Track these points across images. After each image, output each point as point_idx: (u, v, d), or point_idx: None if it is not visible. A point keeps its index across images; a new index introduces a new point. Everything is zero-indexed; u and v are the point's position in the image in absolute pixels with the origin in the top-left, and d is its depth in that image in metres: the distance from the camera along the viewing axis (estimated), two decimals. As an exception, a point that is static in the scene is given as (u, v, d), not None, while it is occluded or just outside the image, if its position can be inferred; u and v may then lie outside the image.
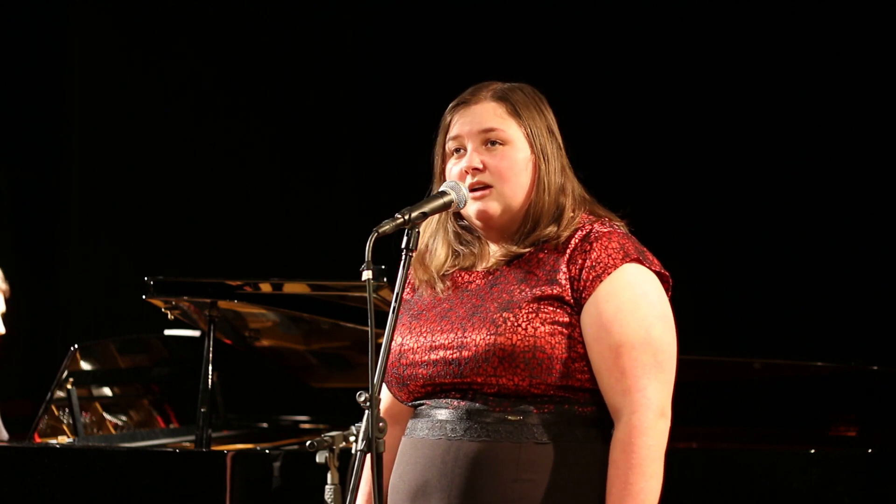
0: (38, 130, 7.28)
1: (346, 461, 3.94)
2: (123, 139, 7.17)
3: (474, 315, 2.65)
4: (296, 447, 4.63)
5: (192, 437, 4.95)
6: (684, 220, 6.12)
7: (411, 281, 2.80)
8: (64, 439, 4.83)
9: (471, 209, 2.71)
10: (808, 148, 6.10)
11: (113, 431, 5.16)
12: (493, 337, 2.60)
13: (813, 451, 4.42)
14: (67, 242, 7.25)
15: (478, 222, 2.73)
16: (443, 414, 2.65)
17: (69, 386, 4.88)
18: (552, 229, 2.69)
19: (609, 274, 2.62)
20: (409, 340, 2.70)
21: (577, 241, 2.67)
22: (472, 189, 2.70)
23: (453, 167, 2.73)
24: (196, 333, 5.26)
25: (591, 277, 2.62)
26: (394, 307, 2.58)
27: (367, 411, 2.47)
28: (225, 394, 5.57)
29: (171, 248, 6.94)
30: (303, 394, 5.65)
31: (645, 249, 2.69)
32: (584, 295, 2.62)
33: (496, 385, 2.60)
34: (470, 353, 2.61)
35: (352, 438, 3.92)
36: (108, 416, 5.19)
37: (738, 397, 5.13)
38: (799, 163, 6.12)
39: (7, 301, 4.85)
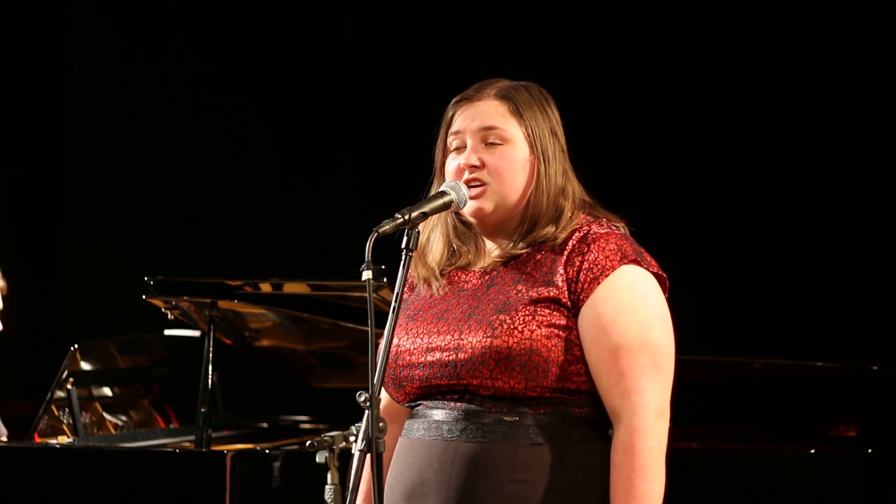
0: (38, 130, 7.28)
1: (346, 461, 3.94)
2: (123, 139, 7.17)
3: (471, 317, 2.65)
4: (296, 447, 4.63)
5: (192, 437, 4.95)
6: (684, 220, 6.12)
7: (410, 279, 2.80)
8: (64, 439, 4.83)
9: (468, 207, 2.71)
10: (807, 148, 6.10)
11: (113, 431, 5.16)
12: (489, 339, 2.60)
13: (813, 451, 4.42)
14: (67, 242, 7.25)
15: (473, 219, 2.73)
16: (439, 415, 2.65)
17: (69, 386, 4.88)
18: (549, 230, 2.68)
19: (607, 276, 2.61)
20: (406, 341, 2.70)
21: (574, 242, 2.66)
22: (469, 185, 2.69)
23: (451, 162, 2.73)
24: (196, 333, 5.26)
25: (588, 279, 2.62)
26: (394, 307, 2.58)
27: (367, 411, 2.47)
28: (225, 394, 5.57)
29: (171, 248, 6.94)
30: (303, 394, 5.65)
31: (643, 250, 2.69)
32: (581, 297, 2.62)
33: (492, 387, 2.60)
34: (466, 355, 2.61)
35: (352, 438, 3.92)
36: (108, 416, 5.19)
37: (738, 397, 5.13)
38: (799, 163, 6.11)
39: (5, 298, 4.85)
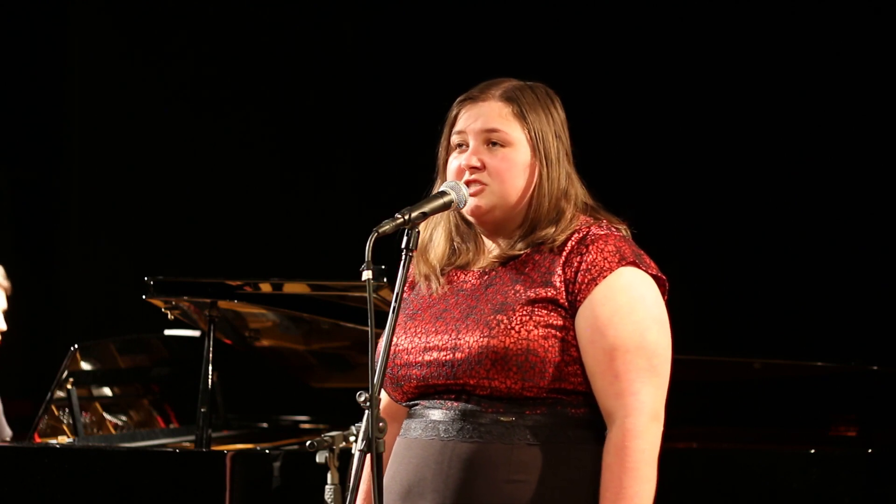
0: (38, 130, 7.28)
1: (346, 461, 3.93)
2: (123, 139, 7.17)
3: (468, 316, 2.65)
4: (296, 447, 4.63)
5: (192, 437, 4.95)
6: (684, 219, 6.12)
7: (411, 278, 2.80)
8: (64, 439, 4.83)
9: (467, 207, 2.71)
10: (807, 148, 6.10)
11: (113, 431, 5.16)
12: (486, 339, 2.60)
13: (813, 451, 4.42)
14: (67, 242, 7.24)
15: (471, 218, 2.73)
16: (436, 414, 2.65)
17: (69, 386, 4.88)
18: (549, 231, 2.68)
19: (604, 277, 2.61)
20: (404, 341, 2.70)
21: (573, 243, 2.66)
22: (469, 185, 2.69)
23: (453, 161, 2.73)
24: (196, 333, 5.26)
25: (586, 280, 2.62)
26: (394, 307, 2.58)
27: (367, 411, 2.47)
28: (225, 394, 5.57)
29: (171, 248, 6.94)
30: (303, 394, 5.65)
31: (642, 253, 2.68)
32: (578, 298, 2.62)
33: (489, 387, 2.60)
34: (463, 354, 2.61)
35: (352, 438, 3.92)
36: (108, 416, 5.19)
37: (738, 397, 5.13)
38: (799, 163, 6.11)
39: (8, 299, 4.85)
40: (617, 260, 2.63)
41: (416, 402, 2.70)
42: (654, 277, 2.66)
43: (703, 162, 6.20)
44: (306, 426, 5.78)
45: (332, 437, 3.89)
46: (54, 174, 7.27)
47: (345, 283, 4.58)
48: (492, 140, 2.70)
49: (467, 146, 2.72)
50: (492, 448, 2.60)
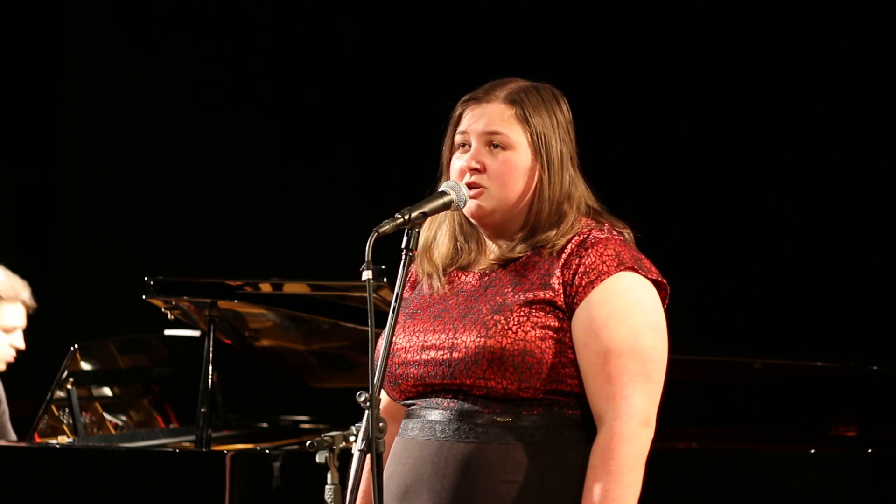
0: (38, 130, 7.28)
1: (346, 461, 3.93)
2: (123, 139, 7.17)
3: (466, 316, 2.65)
4: (296, 447, 4.63)
5: (192, 437, 4.95)
6: (685, 219, 6.12)
7: (413, 276, 2.81)
8: (64, 439, 4.83)
9: (467, 207, 2.71)
10: (807, 148, 6.10)
11: (113, 431, 5.16)
12: (482, 340, 2.60)
13: (813, 451, 4.42)
14: (67, 242, 7.24)
15: (472, 219, 2.73)
16: (433, 414, 2.65)
17: (69, 386, 4.88)
18: (550, 234, 2.68)
19: (602, 280, 2.61)
20: (402, 339, 2.70)
21: (573, 246, 2.66)
22: (469, 187, 2.70)
23: (455, 161, 2.73)
24: (196, 333, 5.26)
25: (583, 283, 2.61)
26: (394, 307, 2.58)
27: (367, 411, 2.47)
28: (225, 394, 5.57)
29: (171, 248, 6.94)
30: (303, 394, 5.65)
31: (643, 257, 2.68)
32: (576, 300, 2.61)
33: (485, 388, 2.60)
34: (460, 354, 2.61)
35: (352, 438, 3.92)
36: (108, 416, 5.19)
37: (738, 397, 5.13)
38: (798, 163, 6.11)
39: (29, 317, 4.91)
40: (616, 264, 2.62)
41: (413, 401, 2.70)
42: (655, 282, 2.66)
43: (703, 162, 6.20)
44: (306, 426, 5.78)
45: (332, 437, 3.89)
46: (54, 174, 7.27)
47: (345, 283, 4.58)
48: (493, 142, 2.70)
49: (469, 146, 2.71)
50: (488, 448, 2.60)
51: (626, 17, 6.35)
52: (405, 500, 2.64)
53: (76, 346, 4.97)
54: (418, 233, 2.62)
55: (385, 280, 3.85)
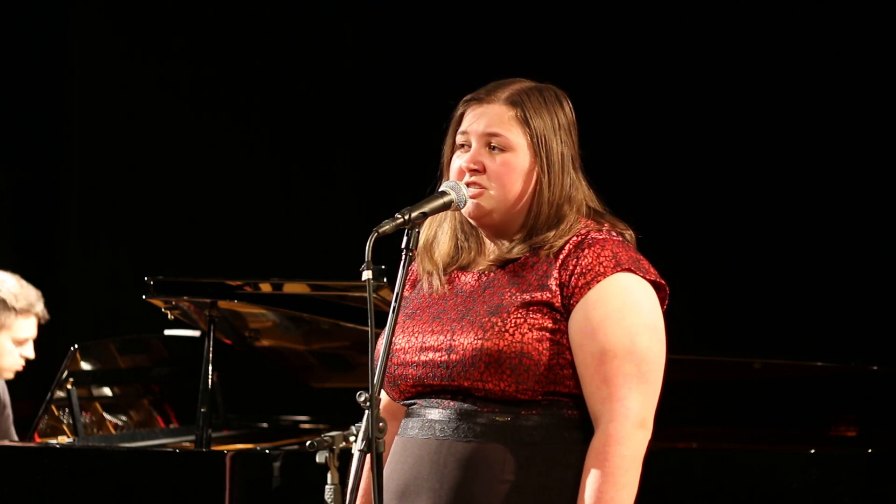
0: (38, 130, 7.27)
1: (346, 461, 3.93)
2: (123, 139, 7.17)
3: (464, 318, 2.65)
4: (296, 447, 4.63)
5: (192, 437, 4.95)
6: (684, 219, 6.12)
7: (414, 276, 2.80)
8: (64, 439, 4.83)
9: (467, 207, 2.71)
10: (807, 148, 6.10)
11: (113, 431, 5.16)
12: (479, 341, 2.59)
13: (813, 451, 4.42)
14: (67, 242, 7.24)
15: (472, 219, 2.73)
16: (433, 414, 2.65)
17: (69, 386, 4.88)
18: (548, 235, 2.67)
19: (599, 281, 2.60)
20: (401, 340, 2.70)
21: (570, 247, 2.65)
22: (469, 186, 2.69)
23: (456, 161, 2.72)
24: (196, 333, 5.26)
25: (580, 284, 2.61)
26: (394, 307, 2.58)
27: (367, 411, 2.47)
28: (225, 394, 5.56)
29: (171, 248, 6.94)
30: (303, 394, 5.65)
31: (641, 258, 2.67)
32: (572, 301, 2.61)
33: (483, 389, 2.60)
34: (458, 356, 2.61)
35: (352, 438, 3.92)
36: (108, 416, 5.19)
37: (738, 397, 5.13)
38: (798, 163, 6.11)
39: (40, 327, 4.92)
40: (613, 265, 2.62)
41: (413, 401, 2.70)
42: (653, 283, 2.65)
43: (703, 163, 6.20)
44: (306, 426, 5.78)
45: (332, 437, 3.89)
46: (54, 174, 7.27)
47: (345, 283, 4.58)
48: (493, 144, 2.69)
49: (470, 147, 2.71)
50: (487, 448, 2.60)
51: (629, 18, 6.34)
52: (404, 499, 2.64)
53: (76, 346, 4.97)
54: (418, 233, 2.62)
55: (385, 280, 3.85)
